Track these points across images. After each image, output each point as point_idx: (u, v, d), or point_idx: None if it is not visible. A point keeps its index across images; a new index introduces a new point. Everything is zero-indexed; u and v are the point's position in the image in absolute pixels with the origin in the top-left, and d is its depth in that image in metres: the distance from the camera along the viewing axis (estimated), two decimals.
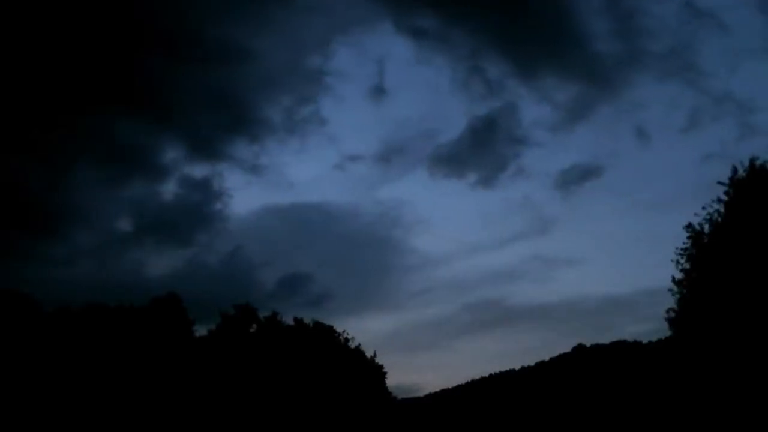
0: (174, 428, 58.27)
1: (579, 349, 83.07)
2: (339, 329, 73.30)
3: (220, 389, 61.39)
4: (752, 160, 38.82)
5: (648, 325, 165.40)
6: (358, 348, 73.44)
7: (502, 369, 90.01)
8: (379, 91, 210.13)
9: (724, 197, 39.12)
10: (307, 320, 72.18)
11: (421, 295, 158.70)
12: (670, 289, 42.00)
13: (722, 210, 39.13)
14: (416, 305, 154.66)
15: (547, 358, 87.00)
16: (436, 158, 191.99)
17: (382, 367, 75.14)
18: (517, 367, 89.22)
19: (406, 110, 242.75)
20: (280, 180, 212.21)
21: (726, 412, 38.50)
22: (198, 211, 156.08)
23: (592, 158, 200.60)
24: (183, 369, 61.03)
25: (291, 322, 71.40)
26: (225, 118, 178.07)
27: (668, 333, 44.64)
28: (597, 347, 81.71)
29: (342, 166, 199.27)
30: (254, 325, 69.71)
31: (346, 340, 73.05)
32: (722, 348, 38.36)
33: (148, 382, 58.72)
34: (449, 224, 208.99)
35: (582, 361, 79.91)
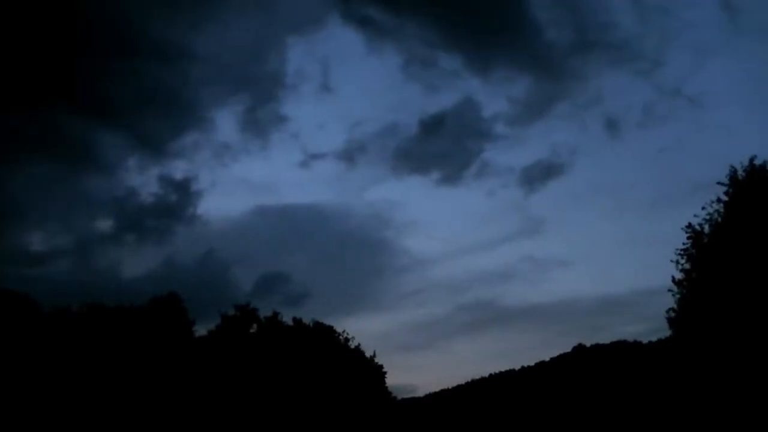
0: (174, 428, 58.23)
1: (579, 349, 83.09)
2: (339, 329, 73.48)
3: (221, 389, 61.34)
4: (751, 160, 38.82)
5: (643, 325, 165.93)
6: (358, 348, 73.48)
7: (498, 369, 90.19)
8: (327, 88, 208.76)
9: (724, 197, 39.12)
10: (306, 320, 72.28)
11: (412, 295, 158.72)
12: (670, 290, 42.00)
13: (722, 210, 39.12)
14: (407, 306, 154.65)
15: (547, 358, 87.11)
16: (398, 155, 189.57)
17: (381, 367, 75.22)
18: (514, 367, 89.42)
19: (363, 106, 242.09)
20: (243, 180, 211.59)
21: (726, 412, 38.50)
22: (168, 210, 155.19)
23: (555, 154, 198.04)
24: (183, 369, 60.96)
25: (290, 323, 71.45)
26: (175, 117, 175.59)
27: (664, 332, 44.66)
28: (597, 347, 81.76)
29: (307, 165, 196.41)
30: (255, 326, 69.68)
31: (346, 340, 73.09)
32: (722, 348, 38.35)
33: (148, 382, 58.66)
34: (439, 226, 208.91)
35: (582, 361, 79.91)
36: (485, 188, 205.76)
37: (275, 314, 70.29)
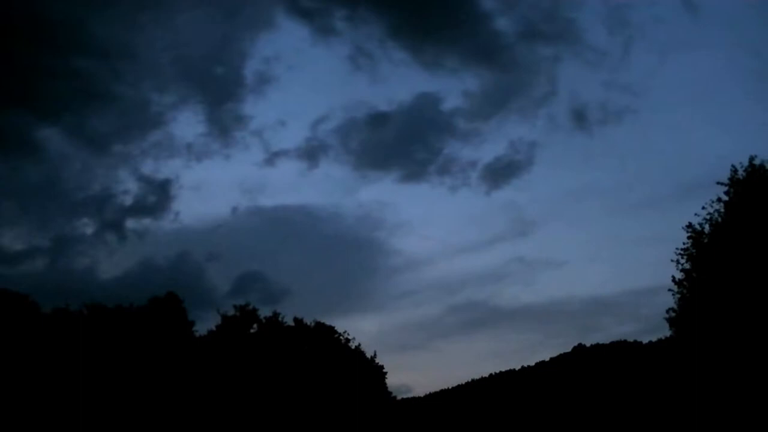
0: (175, 428, 58.20)
1: (579, 348, 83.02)
2: (339, 329, 73.40)
3: (221, 389, 61.31)
4: (751, 160, 38.79)
5: (634, 326, 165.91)
6: (358, 348, 73.40)
7: (492, 369, 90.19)
8: (283, 85, 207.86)
9: (724, 197, 39.10)
10: (307, 320, 72.24)
11: (405, 296, 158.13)
12: (670, 289, 42.00)
13: (722, 210, 39.12)
14: (400, 306, 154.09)
15: (547, 358, 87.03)
16: (359, 152, 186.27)
17: (382, 367, 75.13)
18: (509, 367, 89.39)
19: (317, 103, 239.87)
20: (209, 181, 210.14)
21: (726, 412, 38.47)
22: (142, 210, 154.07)
23: (516, 150, 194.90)
24: (183, 369, 60.94)
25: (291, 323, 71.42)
26: (130, 117, 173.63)
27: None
28: (597, 347, 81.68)
29: (272, 162, 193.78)
30: (255, 326, 69.64)
31: (347, 340, 73.00)
32: (722, 348, 38.32)
33: (149, 382, 58.64)
34: (429, 226, 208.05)
35: (582, 360, 79.84)
36: (448, 185, 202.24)
37: (275, 314, 70.33)
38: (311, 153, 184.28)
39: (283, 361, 66.23)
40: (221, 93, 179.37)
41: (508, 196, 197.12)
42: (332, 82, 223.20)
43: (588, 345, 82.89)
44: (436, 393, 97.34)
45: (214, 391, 60.98)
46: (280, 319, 70.42)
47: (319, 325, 72.43)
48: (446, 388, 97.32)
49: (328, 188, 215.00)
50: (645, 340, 76.65)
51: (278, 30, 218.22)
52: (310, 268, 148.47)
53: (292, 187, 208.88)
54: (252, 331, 69.32)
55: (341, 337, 72.78)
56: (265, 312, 70.43)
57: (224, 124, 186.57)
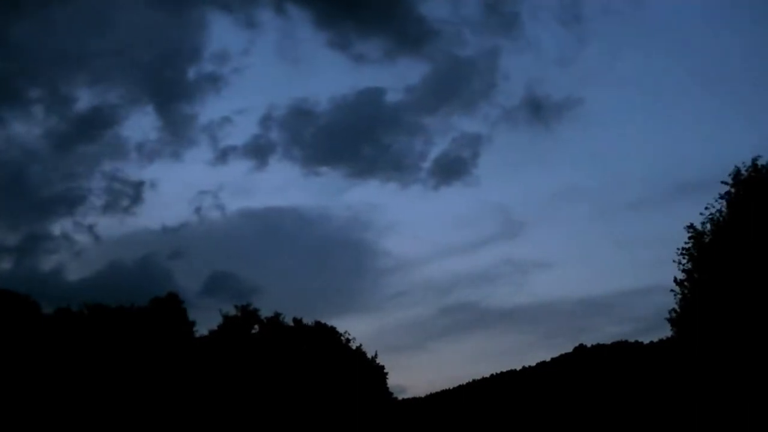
0: (176, 429, 58.17)
1: (580, 349, 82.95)
2: (341, 330, 73.32)
3: (222, 390, 61.27)
4: (755, 160, 38.73)
5: (627, 326, 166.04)
6: (359, 348, 73.32)
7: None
8: (225, 82, 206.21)
9: (726, 197, 39.04)
10: (307, 321, 72.18)
11: (396, 297, 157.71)
12: (672, 290, 41.94)
13: (724, 210, 39.06)
14: (393, 308, 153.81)
15: (548, 358, 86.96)
16: (307, 149, 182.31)
17: (383, 367, 75.08)
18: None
19: (255, 98, 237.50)
20: (169, 180, 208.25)
21: (728, 412, 38.40)
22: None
23: (462, 146, 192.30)
24: (184, 369, 60.91)
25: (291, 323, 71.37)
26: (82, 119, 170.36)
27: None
28: (598, 347, 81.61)
29: (223, 159, 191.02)
30: (256, 326, 69.62)
31: (348, 340, 72.93)
32: (724, 348, 38.25)
33: (150, 382, 58.61)
34: (419, 227, 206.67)
35: (583, 361, 79.77)
36: (401, 182, 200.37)
37: (276, 315, 70.29)
38: (259, 151, 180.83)
39: (284, 362, 66.19)
40: (169, 93, 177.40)
41: (458, 191, 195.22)
42: (276, 79, 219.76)
43: (589, 345, 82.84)
44: (437, 393, 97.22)
45: (215, 392, 60.93)
46: (280, 319, 70.43)
47: (320, 326, 72.38)
48: (447, 388, 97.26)
49: (280, 186, 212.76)
50: (643, 341, 76.66)
51: (217, 29, 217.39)
52: (286, 268, 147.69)
53: (245, 186, 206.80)
54: (253, 331, 69.31)
55: (342, 338, 72.74)
56: (265, 313, 70.50)
57: (175, 124, 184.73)
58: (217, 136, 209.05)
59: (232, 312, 68.79)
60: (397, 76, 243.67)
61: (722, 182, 39.12)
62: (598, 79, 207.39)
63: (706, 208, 39.79)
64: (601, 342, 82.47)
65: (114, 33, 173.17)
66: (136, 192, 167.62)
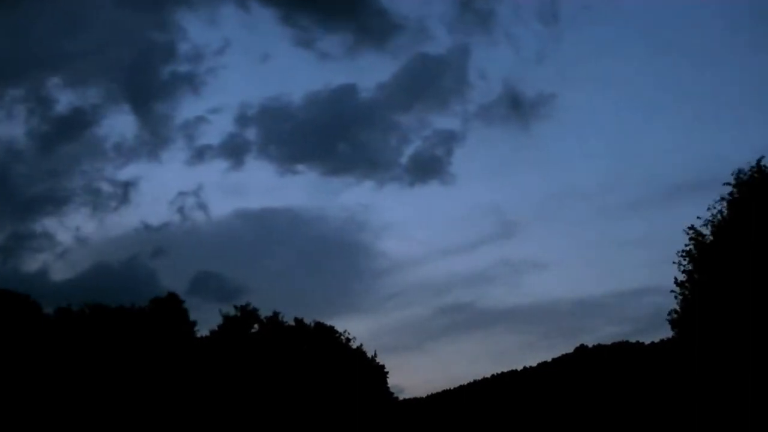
0: (177, 428, 58.16)
1: (581, 349, 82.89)
2: (340, 329, 73.28)
3: (222, 389, 61.25)
4: (758, 161, 38.59)
5: (622, 327, 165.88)
6: (359, 348, 73.29)
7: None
8: (201, 80, 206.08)
9: (728, 197, 38.91)
10: (307, 321, 72.17)
11: (391, 298, 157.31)
12: (672, 291, 41.83)
13: (725, 211, 38.94)
14: (389, 309, 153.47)
15: (549, 359, 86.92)
16: (282, 147, 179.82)
17: (383, 367, 75.04)
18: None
19: (231, 96, 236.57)
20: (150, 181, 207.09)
21: (729, 412, 38.33)
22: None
23: (437, 144, 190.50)
24: (185, 369, 60.90)
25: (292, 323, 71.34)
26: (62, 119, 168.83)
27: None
28: (599, 348, 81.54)
29: (200, 158, 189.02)
30: (256, 326, 69.61)
31: (348, 340, 72.89)
32: (725, 349, 38.17)
33: (151, 382, 58.60)
34: (413, 228, 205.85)
35: (584, 361, 79.71)
36: (376, 180, 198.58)
37: (276, 314, 70.24)
38: (235, 150, 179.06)
39: (284, 361, 66.18)
40: (146, 93, 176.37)
41: (435, 190, 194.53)
42: (248, 77, 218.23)
43: (590, 345, 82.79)
44: (438, 393, 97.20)
45: (216, 391, 60.92)
46: (280, 319, 70.41)
47: (320, 325, 72.36)
48: (448, 388, 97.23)
49: (258, 185, 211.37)
50: (643, 341, 76.56)
51: (191, 28, 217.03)
52: (275, 268, 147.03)
53: (223, 185, 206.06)
54: (253, 331, 69.29)
55: (342, 337, 72.71)
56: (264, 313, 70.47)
57: (151, 124, 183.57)
58: (193, 136, 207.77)
59: (232, 312, 68.84)
60: (367, 72, 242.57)
61: (725, 183, 38.99)
62: (574, 77, 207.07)
63: (708, 209, 39.69)
64: (600, 342, 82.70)
65: (89, 33, 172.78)
66: (118, 192, 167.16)
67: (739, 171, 38.57)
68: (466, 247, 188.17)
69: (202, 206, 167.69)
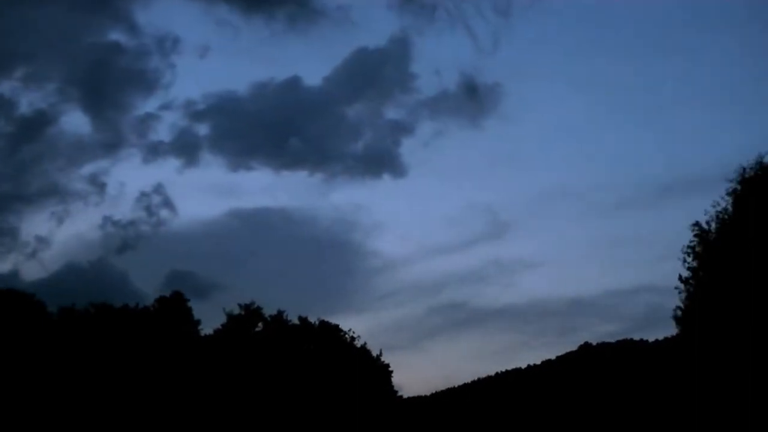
0: (182, 426, 58.28)
1: (585, 347, 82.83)
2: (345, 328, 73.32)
3: (227, 388, 61.36)
4: (760, 159, 38.63)
5: (616, 325, 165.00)
6: (364, 347, 73.32)
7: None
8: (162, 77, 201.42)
9: (731, 195, 38.97)
10: (312, 319, 72.23)
11: (386, 297, 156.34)
12: (676, 287, 41.91)
13: (729, 208, 38.99)
14: (383, 307, 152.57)
15: (553, 357, 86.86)
16: (232, 141, 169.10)
17: (388, 365, 75.08)
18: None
19: (180, 91, 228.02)
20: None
21: (733, 410, 38.33)
22: None
23: (386, 134, 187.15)
24: (189, 368, 61.04)
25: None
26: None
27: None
28: (603, 345, 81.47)
29: (155, 151, 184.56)
30: (260, 324, 69.72)
31: (352, 338, 72.93)
32: (729, 346, 38.18)
33: (156, 381, 58.76)
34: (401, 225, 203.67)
35: (588, 359, 79.66)
36: (328, 173, 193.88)
37: (280, 313, 70.33)
38: (188, 147, 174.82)
39: (288, 360, 66.26)
40: (99, 91, 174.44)
41: (386, 185, 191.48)
42: (194, 71, 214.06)
43: (594, 343, 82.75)
44: (442, 391, 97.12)
45: (220, 390, 61.03)
46: (284, 317, 70.49)
47: (324, 324, 72.40)
48: (452, 386, 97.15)
49: (206, 185, 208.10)
50: (655, 339, 76.39)
51: (141, 22, 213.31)
52: (247, 268, 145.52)
53: (180, 183, 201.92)
54: (257, 329, 69.41)
55: (346, 336, 72.73)
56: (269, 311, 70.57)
57: (106, 122, 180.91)
58: (147, 133, 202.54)
59: (236, 311, 68.95)
60: (313, 64, 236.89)
61: (729, 180, 39.03)
62: (525, 71, 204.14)
63: (712, 206, 39.75)
64: (595, 341, 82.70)
65: (40, 33, 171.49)
66: (82, 191, 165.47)
67: (742, 168, 38.63)
68: (457, 246, 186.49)
69: (168, 204, 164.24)
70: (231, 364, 62.98)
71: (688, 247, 40.82)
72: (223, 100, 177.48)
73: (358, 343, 72.91)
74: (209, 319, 69.33)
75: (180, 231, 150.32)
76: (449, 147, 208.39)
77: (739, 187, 38.55)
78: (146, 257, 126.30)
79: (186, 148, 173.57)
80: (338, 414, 65.10)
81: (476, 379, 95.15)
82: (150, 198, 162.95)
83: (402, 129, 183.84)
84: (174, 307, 65.64)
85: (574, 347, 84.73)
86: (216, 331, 68.01)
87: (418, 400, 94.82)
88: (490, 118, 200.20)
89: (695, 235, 40.49)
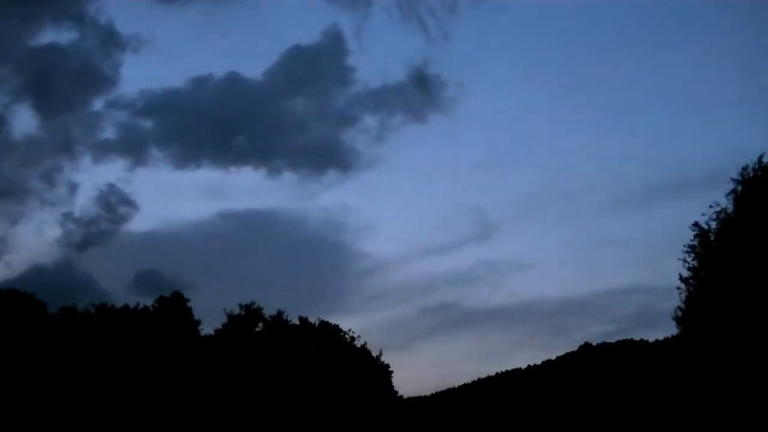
0: (182, 426, 58.29)
1: (585, 347, 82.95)
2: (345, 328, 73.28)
3: (227, 388, 61.36)
4: (760, 158, 38.60)
5: (608, 326, 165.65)
6: (364, 347, 73.29)
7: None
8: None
9: (732, 195, 38.94)
10: (312, 319, 72.21)
11: (377, 298, 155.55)
12: (678, 287, 41.90)
13: (730, 208, 38.98)
14: (374, 308, 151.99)
15: (553, 357, 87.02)
16: (181, 139, 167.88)
17: (388, 366, 75.06)
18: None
19: (126, 87, 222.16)
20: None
21: (734, 410, 38.31)
22: None
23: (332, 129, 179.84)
24: (190, 368, 61.03)
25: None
26: None
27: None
28: (603, 346, 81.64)
29: (106, 150, 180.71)
30: (260, 324, 69.70)
31: (352, 339, 72.90)
32: (730, 346, 38.17)
33: (156, 381, 58.75)
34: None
35: (589, 359, 79.75)
36: (272, 168, 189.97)
37: (280, 313, 70.32)
38: (135, 146, 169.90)
39: (289, 360, 66.25)
40: (46, 90, 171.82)
41: (333, 177, 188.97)
42: (135, 67, 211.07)
43: (594, 344, 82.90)
44: (443, 392, 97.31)
45: (220, 390, 61.03)
46: (284, 317, 70.48)
47: (324, 324, 72.38)
48: (452, 386, 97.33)
49: (153, 184, 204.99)
50: (656, 339, 76.53)
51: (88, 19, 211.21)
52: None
53: (127, 180, 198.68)
54: (257, 329, 69.39)
55: (346, 336, 72.70)
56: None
57: (53, 121, 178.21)
58: (93, 132, 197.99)
59: (237, 311, 68.93)
60: (252, 59, 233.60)
61: (732, 179, 39.01)
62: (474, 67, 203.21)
63: (710, 207, 39.73)
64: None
65: None
66: (39, 191, 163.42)
67: (744, 168, 38.61)
68: (446, 247, 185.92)
69: (127, 201, 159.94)
70: (231, 364, 62.95)
71: (689, 246, 40.82)
72: (168, 96, 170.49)
73: (359, 343, 72.94)
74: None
75: (145, 230, 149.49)
76: (400, 142, 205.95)
77: (739, 187, 38.54)
78: (111, 257, 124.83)
79: (133, 147, 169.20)
80: (338, 414, 65.07)
81: (476, 379, 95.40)
82: (108, 197, 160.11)
83: (346, 122, 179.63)
84: (174, 307, 65.61)
85: (568, 347, 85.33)
86: (216, 331, 68.00)
87: (418, 401, 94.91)
88: (434, 112, 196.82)
89: (695, 235, 40.48)
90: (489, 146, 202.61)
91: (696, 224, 40.44)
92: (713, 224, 39.79)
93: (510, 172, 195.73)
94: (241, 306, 68.99)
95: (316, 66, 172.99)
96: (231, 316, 68.54)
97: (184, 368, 60.73)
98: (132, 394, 57.67)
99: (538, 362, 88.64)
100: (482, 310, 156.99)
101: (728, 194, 39.02)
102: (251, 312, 69.09)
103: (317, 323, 72.02)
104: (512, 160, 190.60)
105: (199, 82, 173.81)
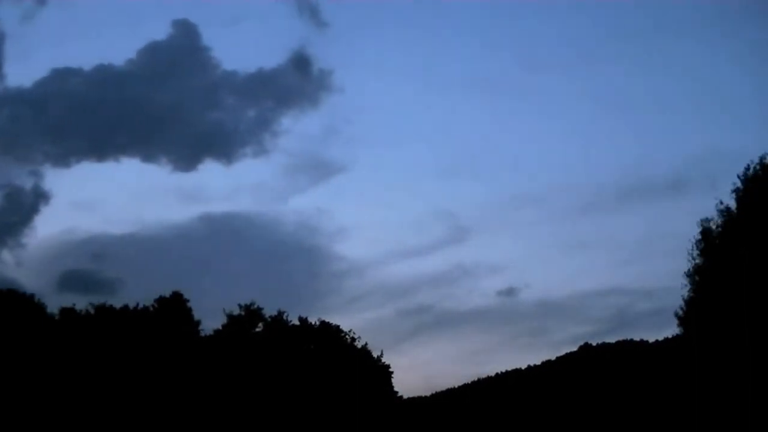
0: (183, 426, 58.22)
1: (585, 348, 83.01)
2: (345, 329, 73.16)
3: (227, 388, 61.27)
4: (762, 158, 38.73)
5: (587, 327, 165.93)
6: (364, 347, 73.17)
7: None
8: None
9: (734, 195, 39.07)
10: (312, 320, 72.11)
11: (356, 301, 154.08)
12: (683, 285, 42.10)
13: (733, 207, 39.11)
14: (354, 311, 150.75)
15: (553, 357, 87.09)
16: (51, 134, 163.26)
17: (388, 366, 74.96)
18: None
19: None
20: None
21: (734, 410, 38.35)
22: None
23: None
24: (189, 368, 60.95)
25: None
26: None
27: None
28: (603, 346, 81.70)
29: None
30: (260, 324, 69.62)
31: (353, 339, 72.79)
32: (731, 346, 38.22)
33: (156, 381, 58.66)
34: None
35: (588, 359, 79.80)
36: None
37: (280, 313, 70.23)
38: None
39: (289, 360, 66.15)
40: None
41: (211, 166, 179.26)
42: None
43: (594, 344, 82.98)
44: (442, 392, 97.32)
45: (220, 390, 60.94)
46: (284, 318, 70.39)
47: (324, 325, 72.27)
48: (452, 386, 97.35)
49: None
50: (656, 339, 76.61)
51: None
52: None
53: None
54: (257, 330, 69.30)
55: (347, 336, 72.58)
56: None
57: None
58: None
59: (236, 311, 68.83)
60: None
61: (738, 176, 39.16)
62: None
63: (715, 207, 39.88)
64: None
65: None
66: None
67: (747, 167, 38.77)
68: (421, 249, 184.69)
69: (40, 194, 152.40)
70: (231, 365, 62.86)
71: (693, 244, 40.99)
72: (43, 88, 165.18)
73: (359, 344, 72.83)
74: None
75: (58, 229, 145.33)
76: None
77: (742, 186, 38.65)
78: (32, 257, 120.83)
79: (18, 142, 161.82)
80: (339, 414, 65.00)
81: (476, 379, 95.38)
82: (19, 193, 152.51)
83: (225, 112, 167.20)
84: (174, 307, 65.52)
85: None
86: (216, 332, 67.89)
87: (418, 401, 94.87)
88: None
89: (700, 233, 40.61)
90: (455, 150, 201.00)
91: (701, 222, 40.63)
92: (718, 222, 39.97)
93: (479, 176, 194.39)
94: (240, 306, 68.94)
95: (182, 55, 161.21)
96: (231, 317, 68.45)
97: (184, 368, 60.63)
98: (132, 395, 57.57)
99: (529, 363, 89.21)
100: (460, 312, 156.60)
101: (732, 192, 39.19)
102: (251, 312, 69.00)
103: (317, 324, 71.94)
104: (481, 164, 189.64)
105: (69, 73, 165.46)
